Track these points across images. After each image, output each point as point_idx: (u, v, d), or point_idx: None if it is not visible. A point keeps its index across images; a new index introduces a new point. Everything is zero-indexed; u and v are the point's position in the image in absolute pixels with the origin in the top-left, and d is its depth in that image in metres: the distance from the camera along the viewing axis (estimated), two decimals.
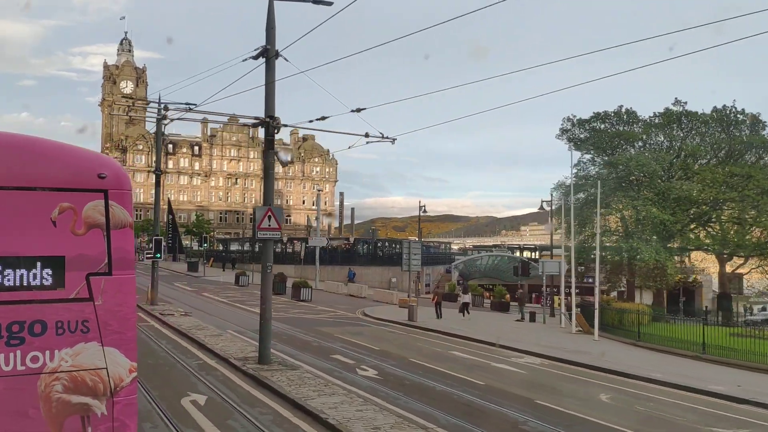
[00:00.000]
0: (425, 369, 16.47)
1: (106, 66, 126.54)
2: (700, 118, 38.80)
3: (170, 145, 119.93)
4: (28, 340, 4.85)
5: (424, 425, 10.20)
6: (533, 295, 45.77)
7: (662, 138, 40.36)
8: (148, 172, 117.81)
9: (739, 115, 38.46)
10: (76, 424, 4.94)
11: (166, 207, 43.95)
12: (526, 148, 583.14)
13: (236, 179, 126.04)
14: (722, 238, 36.29)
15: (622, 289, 41.13)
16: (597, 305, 24.05)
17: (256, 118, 16.25)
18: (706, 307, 41.27)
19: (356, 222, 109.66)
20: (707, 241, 38.09)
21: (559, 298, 41.02)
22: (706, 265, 48.55)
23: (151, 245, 27.97)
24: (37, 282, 4.90)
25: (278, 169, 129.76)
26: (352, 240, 59.81)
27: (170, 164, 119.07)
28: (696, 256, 42.66)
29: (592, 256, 39.25)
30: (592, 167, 41.24)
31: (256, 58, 16.15)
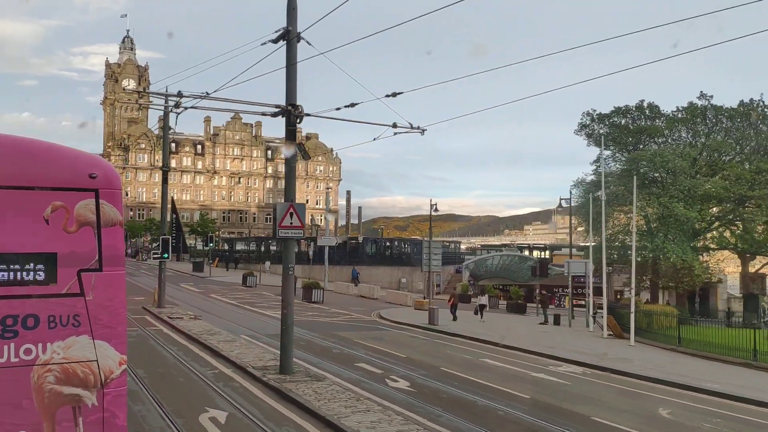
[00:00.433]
0: (460, 380, 15.19)
1: (107, 64, 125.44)
2: (726, 113, 37.46)
3: (173, 144, 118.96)
4: (21, 333, 5.04)
5: None
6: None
7: (685, 133, 39.06)
8: (151, 170, 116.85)
9: (767, 110, 37.10)
10: (67, 414, 5.13)
11: (170, 206, 42.69)
12: (530, 147, 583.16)
13: (239, 178, 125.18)
14: (750, 237, 34.90)
15: (641, 290, 39.67)
16: (633, 308, 22.67)
17: (276, 106, 14.93)
18: (729, 308, 39.90)
19: (354, 222, 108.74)
20: (732, 240, 36.73)
21: (577, 300, 39.83)
22: (725, 265, 47.15)
23: (155, 245, 26.66)
24: (31, 278, 5.10)
25: (281, 167, 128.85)
26: (360, 239, 58.62)
27: (173, 163, 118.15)
28: (715, 255, 41.23)
29: (614, 256, 38.01)
30: (613, 163, 40.00)
31: (276, 41, 14.89)
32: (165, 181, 27.85)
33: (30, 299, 5.05)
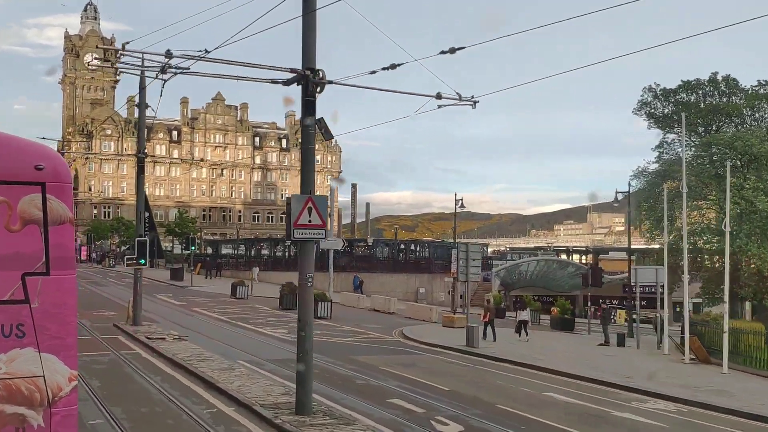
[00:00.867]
0: (525, 422, 13.92)
1: (67, 37, 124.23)
2: None
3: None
4: None
5: None
6: (591, 309, 43.46)
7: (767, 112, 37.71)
8: (118, 160, 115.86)
9: None
10: None
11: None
12: (558, 134, 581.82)
13: (222, 170, 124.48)
14: None
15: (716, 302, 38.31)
16: (726, 326, 21.23)
17: (291, 70, 13.55)
18: None
19: (358, 221, 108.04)
20: None
21: (632, 314, 38.65)
22: None
23: (124, 248, 25.61)
24: None
25: (272, 158, 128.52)
26: (370, 241, 57.84)
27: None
28: None
29: (680, 262, 36.64)
30: (680, 149, 38.76)
31: None
32: (141, 170, 26.76)
33: None
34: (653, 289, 31.81)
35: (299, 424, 12.58)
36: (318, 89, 13.84)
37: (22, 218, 5.29)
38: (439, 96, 15.19)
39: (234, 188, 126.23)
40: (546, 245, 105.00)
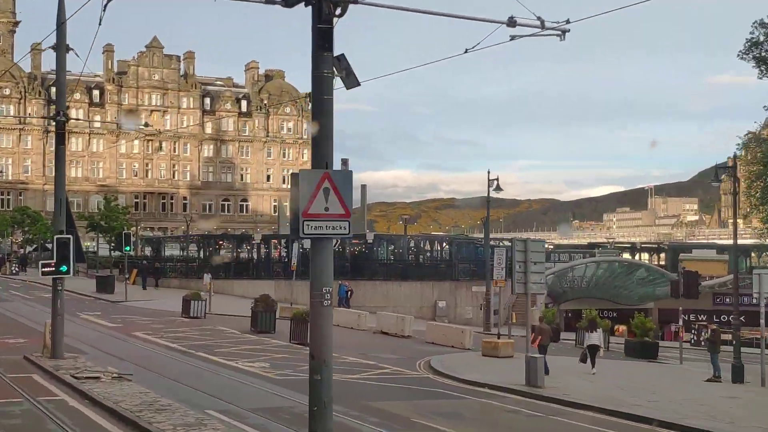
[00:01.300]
0: None
1: None
2: None
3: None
4: None
5: None
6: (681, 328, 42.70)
7: None
8: (20, 130, 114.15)
9: None
10: None
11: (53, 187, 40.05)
12: (603, 94, 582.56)
13: (160, 143, 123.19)
14: None
15: None
16: None
17: None
18: None
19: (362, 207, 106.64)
20: None
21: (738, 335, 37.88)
22: None
23: (31, 250, 24.61)
24: None
25: (228, 126, 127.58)
26: (370, 237, 57.12)
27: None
28: None
29: None
30: None
31: None
32: (61, 139, 25.37)
33: None
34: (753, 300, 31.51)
35: None
36: (337, 11, 12.65)
37: None
38: (512, 22, 13.83)
39: (177, 167, 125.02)
40: (606, 241, 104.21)
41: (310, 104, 13.10)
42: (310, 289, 12.82)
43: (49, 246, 34.13)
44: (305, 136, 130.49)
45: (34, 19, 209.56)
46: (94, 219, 78.64)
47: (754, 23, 39.47)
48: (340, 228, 12.66)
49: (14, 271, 73.82)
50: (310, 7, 12.37)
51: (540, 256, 25.25)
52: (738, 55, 40.17)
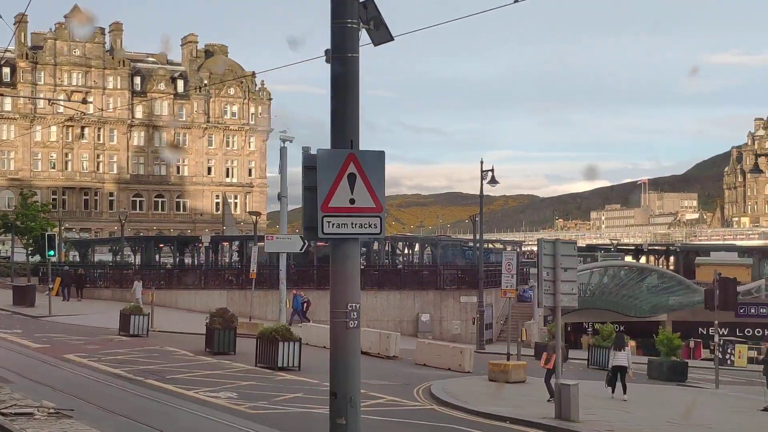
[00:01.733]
0: None
1: None
2: None
3: None
4: None
5: None
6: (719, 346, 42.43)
7: None
8: None
9: None
10: None
11: None
12: (588, 79, 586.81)
13: (82, 129, 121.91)
14: None
15: None
16: None
17: None
18: None
19: (290, 208, 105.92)
20: None
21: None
22: None
23: None
24: None
25: (162, 109, 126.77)
26: None
27: None
28: None
29: None
30: None
31: None
32: None
33: None
34: None
35: None
36: None
37: None
38: None
39: (102, 158, 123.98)
40: (609, 243, 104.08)
41: (329, 64, 11.73)
42: (331, 306, 11.67)
43: None
44: (252, 122, 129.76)
45: None
46: (8, 218, 76.80)
47: None
48: (370, 226, 11.49)
49: None
50: None
51: (572, 260, 23.98)
52: None
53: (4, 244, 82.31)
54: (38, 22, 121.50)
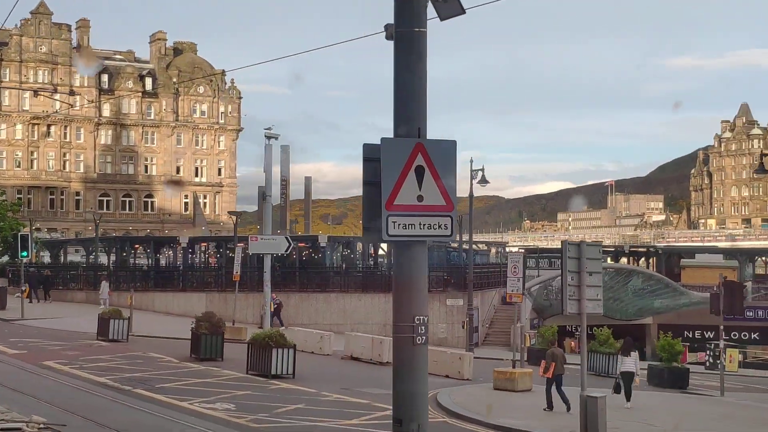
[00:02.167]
0: None
1: None
2: None
3: None
4: None
5: None
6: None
7: None
8: None
9: None
10: None
11: None
12: (551, 81, 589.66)
13: (48, 127, 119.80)
14: None
15: None
16: None
17: None
18: None
19: (252, 208, 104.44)
20: None
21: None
22: None
23: None
24: None
25: (130, 108, 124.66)
26: (323, 241, 54.91)
27: None
28: None
29: None
30: None
31: None
32: None
33: None
34: None
35: None
36: None
37: None
38: None
39: (69, 156, 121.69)
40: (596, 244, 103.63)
41: (392, 41, 10.26)
42: (394, 318, 10.27)
43: None
44: (222, 121, 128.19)
45: None
46: None
47: None
48: (440, 227, 10.09)
49: None
50: None
51: (596, 264, 22.53)
52: None
53: None
54: (2, 17, 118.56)
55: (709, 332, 59.13)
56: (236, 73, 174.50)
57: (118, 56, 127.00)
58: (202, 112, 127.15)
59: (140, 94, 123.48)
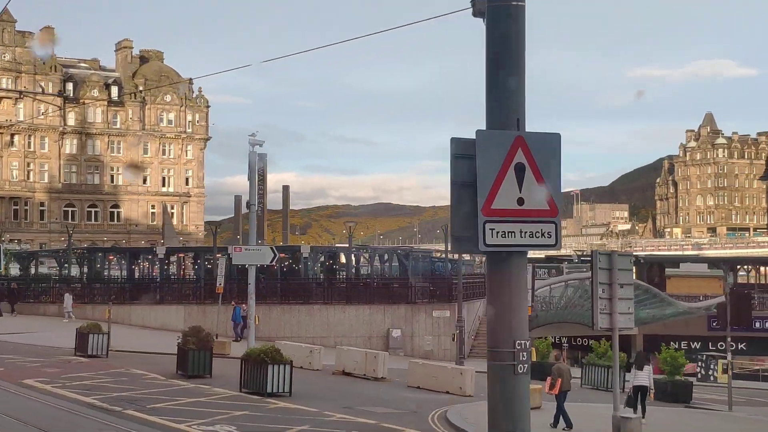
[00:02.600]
0: None
1: None
2: None
3: None
4: None
5: None
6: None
7: None
8: None
9: None
10: None
11: None
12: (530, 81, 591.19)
13: (12, 136, 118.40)
14: None
15: None
16: None
17: None
18: None
19: (218, 217, 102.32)
20: None
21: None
22: None
23: None
24: None
25: (96, 116, 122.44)
26: (306, 251, 53.42)
27: None
28: None
29: None
30: None
31: None
32: None
33: None
34: None
35: None
36: None
37: None
38: None
39: (33, 166, 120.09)
40: (573, 254, 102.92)
41: (482, 18, 8.78)
42: (489, 342, 8.72)
43: None
44: (189, 130, 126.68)
45: None
46: None
47: None
48: (543, 235, 8.64)
49: None
50: None
51: (628, 276, 21.31)
52: None
53: None
54: None
55: (695, 343, 58.31)
56: (204, 82, 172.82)
57: (83, 64, 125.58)
58: (169, 121, 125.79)
59: (106, 102, 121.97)
